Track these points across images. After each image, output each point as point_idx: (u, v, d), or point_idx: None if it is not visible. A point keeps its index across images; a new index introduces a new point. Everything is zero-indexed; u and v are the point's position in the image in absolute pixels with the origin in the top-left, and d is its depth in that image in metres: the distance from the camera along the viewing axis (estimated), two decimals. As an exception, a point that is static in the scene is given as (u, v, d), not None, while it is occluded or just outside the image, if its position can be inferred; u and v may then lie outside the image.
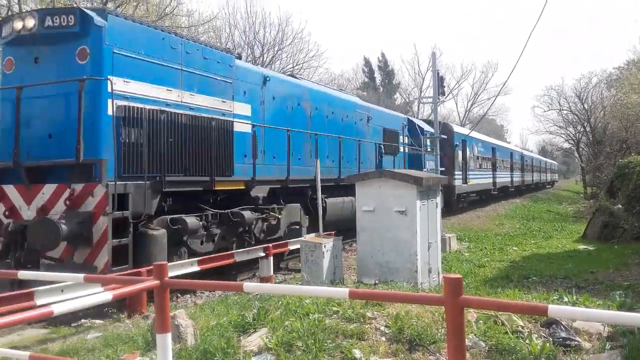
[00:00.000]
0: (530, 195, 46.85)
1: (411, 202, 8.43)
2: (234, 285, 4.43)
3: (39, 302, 6.40)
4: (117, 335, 6.14)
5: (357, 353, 4.86)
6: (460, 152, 27.40)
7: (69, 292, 6.55)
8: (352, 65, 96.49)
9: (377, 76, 67.07)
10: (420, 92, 59.25)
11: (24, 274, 4.58)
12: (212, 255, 9.30)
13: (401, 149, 20.58)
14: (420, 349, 5.01)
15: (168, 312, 4.08)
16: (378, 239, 8.52)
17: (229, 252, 9.72)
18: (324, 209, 12.76)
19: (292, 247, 11.25)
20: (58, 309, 3.46)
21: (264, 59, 37.52)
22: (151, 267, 7.57)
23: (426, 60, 60.32)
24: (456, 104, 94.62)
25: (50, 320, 6.91)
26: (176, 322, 5.38)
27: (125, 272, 7.39)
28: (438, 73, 19.01)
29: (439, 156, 18.57)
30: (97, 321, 7.32)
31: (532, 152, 70.10)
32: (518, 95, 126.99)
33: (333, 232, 11.32)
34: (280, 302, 6.33)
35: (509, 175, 41.57)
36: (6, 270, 5.00)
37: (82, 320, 7.26)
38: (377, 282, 8.08)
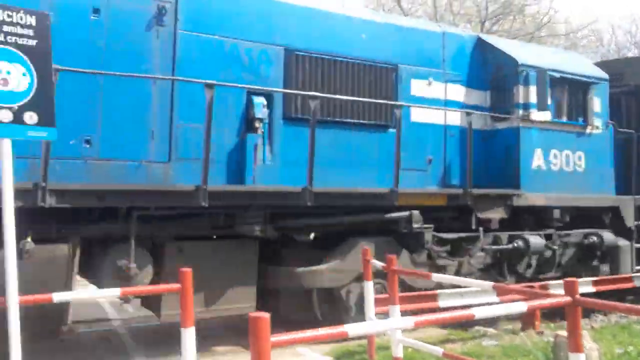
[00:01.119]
0: None
1: None
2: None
3: (441, 304, 7.00)
4: (514, 346, 6.23)
5: None
6: None
7: (467, 298, 6.97)
8: None
9: None
10: None
11: (437, 277, 5.10)
12: (608, 277, 8.55)
13: (416, 116, 7.85)
14: None
15: (580, 332, 3.91)
16: None
17: (628, 276, 8.77)
18: None
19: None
20: (479, 314, 3.68)
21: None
22: (547, 282, 7.46)
23: None
24: None
25: (449, 323, 7.43)
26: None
27: (523, 285, 7.40)
28: None
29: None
30: (490, 330, 7.54)
31: None
32: None
33: None
34: None
35: None
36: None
37: (477, 327, 7.59)
38: None
